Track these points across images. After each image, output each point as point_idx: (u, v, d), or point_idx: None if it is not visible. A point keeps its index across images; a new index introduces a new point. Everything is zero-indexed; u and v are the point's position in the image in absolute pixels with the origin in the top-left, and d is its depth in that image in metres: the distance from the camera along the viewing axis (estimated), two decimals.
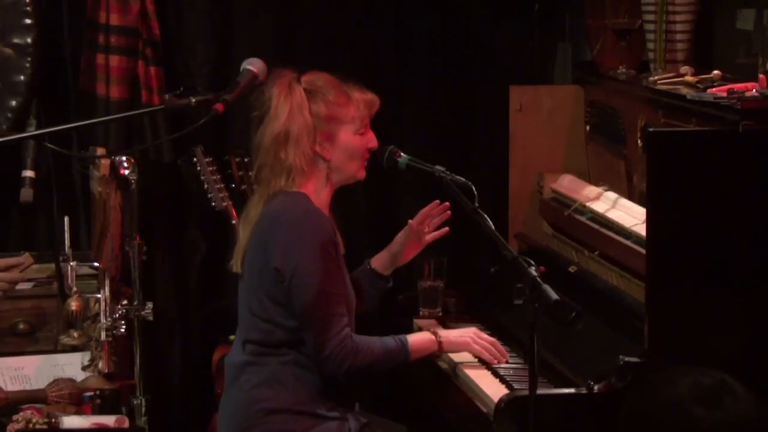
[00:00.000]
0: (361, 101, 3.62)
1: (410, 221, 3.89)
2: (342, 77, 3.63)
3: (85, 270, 4.46)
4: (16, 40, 4.61)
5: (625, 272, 3.76)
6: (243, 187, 4.46)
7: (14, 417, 4.05)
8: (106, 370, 4.26)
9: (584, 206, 4.08)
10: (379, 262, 3.92)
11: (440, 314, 4.25)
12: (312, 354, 3.50)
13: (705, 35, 4.18)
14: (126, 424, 4.10)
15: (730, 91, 3.44)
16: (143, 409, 4.26)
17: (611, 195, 4.03)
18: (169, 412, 4.90)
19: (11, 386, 4.28)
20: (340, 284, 3.54)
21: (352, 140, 3.61)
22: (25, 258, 3.89)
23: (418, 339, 3.68)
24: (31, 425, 4.01)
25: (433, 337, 3.71)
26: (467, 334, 3.78)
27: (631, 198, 3.99)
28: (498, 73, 5.04)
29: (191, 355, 4.99)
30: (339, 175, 3.62)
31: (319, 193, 3.59)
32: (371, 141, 3.66)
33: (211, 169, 4.45)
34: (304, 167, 3.54)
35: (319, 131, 3.57)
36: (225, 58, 4.89)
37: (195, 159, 4.47)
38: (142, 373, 4.30)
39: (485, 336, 3.80)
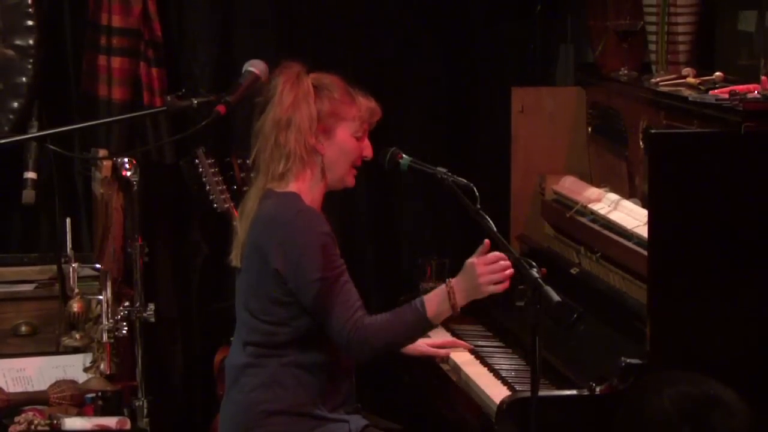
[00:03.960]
0: (364, 106, 3.63)
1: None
2: (349, 81, 3.65)
3: (86, 271, 4.47)
4: (18, 42, 4.61)
5: (627, 274, 3.76)
6: (245, 188, 4.45)
7: (16, 418, 4.05)
8: (108, 372, 4.26)
9: (586, 208, 4.08)
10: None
11: None
12: (336, 344, 3.49)
13: (707, 37, 4.18)
14: (128, 426, 4.10)
15: (731, 93, 3.44)
16: (145, 411, 4.26)
17: (613, 196, 4.03)
18: (170, 414, 4.90)
19: (13, 388, 4.29)
20: (343, 272, 3.53)
21: (349, 141, 3.61)
22: None
23: (432, 301, 3.49)
24: (32, 427, 4.01)
25: (441, 294, 3.50)
26: (476, 280, 3.48)
27: (632, 199, 3.98)
28: (500, 75, 5.05)
29: (193, 356, 4.99)
30: (330, 174, 3.62)
31: (312, 190, 3.59)
32: (367, 149, 3.66)
33: (212, 170, 4.45)
34: (304, 155, 3.55)
35: (319, 125, 3.58)
36: (227, 59, 4.89)
37: (197, 160, 4.47)
38: (143, 375, 4.30)
39: (489, 266, 3.50)
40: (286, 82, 3.56)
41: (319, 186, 3.61)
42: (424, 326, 3.52)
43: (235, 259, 3.62)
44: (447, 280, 3.53)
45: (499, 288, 3.48)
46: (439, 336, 3.98)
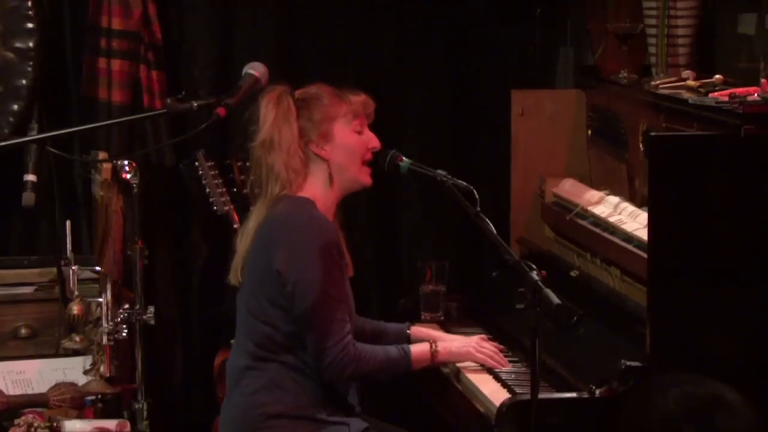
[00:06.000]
0: (354, 100, 3.65)
1: (478, 340, 3.84)
2: (336, 84, 3.66)
3: (86, 274, 4.46)
4: (18, 44, 4.61)
5: (627, 276, 3.76)
6: (245, 191, 4.44)
7: (16, 421, 4.05)
8: (108, 374, 4.26)
9: (586, 210, 4.08)
10: (419, 334, 3.90)
11: (442, 318, 4.25)
12: (313, 360, 3.50)
13: (706, 39, 4.18)
14: (127, 428, 4.10)
15: (731, 96, 3.44)
16: (145, 413, 4.27)
17: (613, 199, 4.03)
18: (170, 416, 4.90)
19: (13, 390, 4.29)
20: (343, 290, 3.54)
21: (349, 136, 3.62)
22: None
23: (418, 349, 3.68)
24: (32, 429, 4.01)
25: (427, 347, 3.69)
26: (469, 344, 3.77)
27: (632, 202, 3.98)
28: (500, 77, 5.04)
29: (193, 359, 4.99)
30: (341, 178, 3.62)
31: (325, 198, 3.60)
32: (372, 141, 3.67)
33: (212, 173, 4.45)
34: (290, 174, 3.55)
35: (316, 133, 3.59)
36: (227, 62, 4.89)
37: (197, 163, 4.47)
38: (143, 377, 4.30)
39: (487, 344, 3.79)
40: (267, 104, 3.58)
41: (328, 194, 3.61)
42: (404, 367, 3.61)
43: (233, 277, 3.62)
44: (434, 342, 3.69)
45: (480, 358, 3.74)
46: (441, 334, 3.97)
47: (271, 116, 3.56)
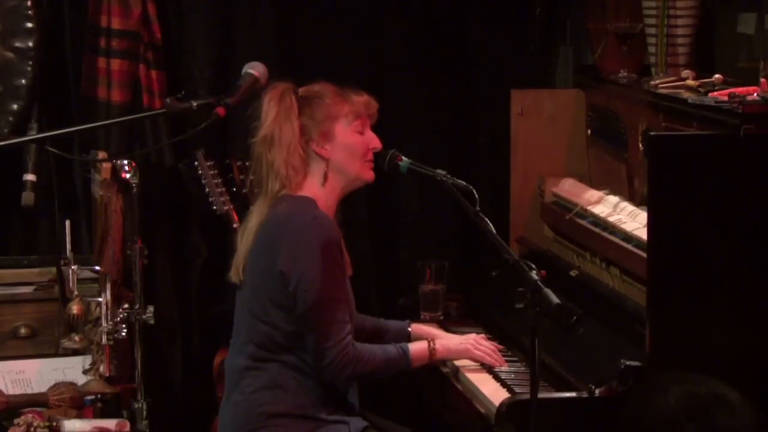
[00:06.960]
0: (356, 101, 3.65)
1: (476, 337, 3.86)
2: (339, 84, 3.66)
3: (86, 274, 4.46)
4: (17, 44, 4.61)
5: (627, 276, 3.76)
6: (244, 190, 4.46)
7: (15, 421, 4.05)
8: (107, 374, 4.26)
9: (585, 210, 4.08)
10: (419, 332, 3.91)
11: (441, 318, 4.25)
12: (313, 360, 3.50)
13: (706, 39, 4.18)
14: (127, 428, 4.10)
15: (731, 95, 3.44)
16: (144, 413, 4.26)
17: (612, 199, 4.03)
18: (170, 416, 4.90)
19: (12, 390, 4.29)
20: (344, 290, 3.54)
21: (350, 136, 3.62)
22: None
23: (416, 348, 3.68)
24: (32, 429, 4.01)
25: (426, 345, 3.70)
26: (467, 341, 3.78)
27: (632, 202, 3.98)
28: (499, 77, 5.04)
29: (192, 358, 4.99)
30: (342, 176, 3.62)
31: (326, 197, 3.60)
32: (373, 141, 3.67)
33: (212, 172, 4.45)
34: (290, 172, 3.55)
35: (317, 132, 3.59)
36: (226, 61, 4.89)
37: (196, 163, 4.47)
38: (143, 377, 4.30)
39: (485, 342, 3.80)
40: (270, 100, 3.59)
41: (328, 193, 3.61)
42: (403, 366, 3.62)
43: (234, 275, 3.62)
44: (432, 340, 3.70)
45: (477, 356, 3.75)
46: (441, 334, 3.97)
47: (273, 113, 3.57)
